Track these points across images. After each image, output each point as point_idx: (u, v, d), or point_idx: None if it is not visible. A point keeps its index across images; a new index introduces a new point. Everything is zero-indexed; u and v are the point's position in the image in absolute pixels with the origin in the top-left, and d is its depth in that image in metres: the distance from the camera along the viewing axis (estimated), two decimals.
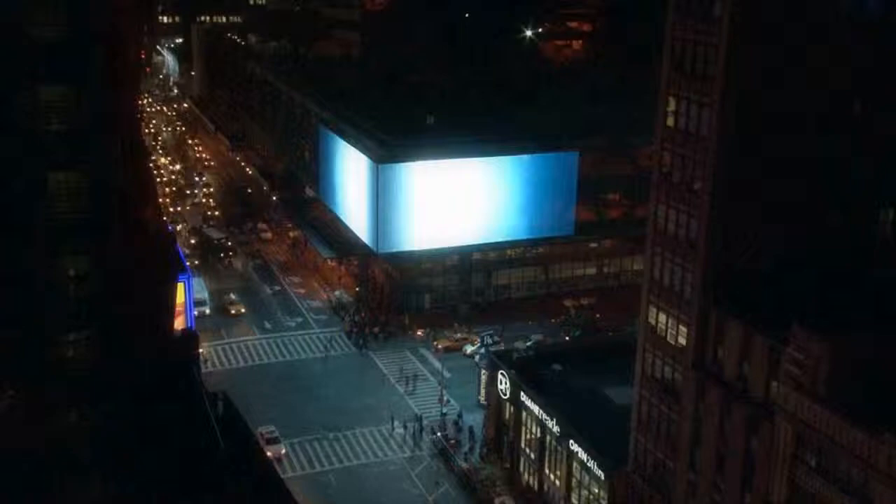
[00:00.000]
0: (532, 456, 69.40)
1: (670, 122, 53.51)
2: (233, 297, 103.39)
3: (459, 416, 78.42)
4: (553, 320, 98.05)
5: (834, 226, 51.42)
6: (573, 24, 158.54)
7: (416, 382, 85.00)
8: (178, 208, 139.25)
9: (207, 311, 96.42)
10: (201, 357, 76.41)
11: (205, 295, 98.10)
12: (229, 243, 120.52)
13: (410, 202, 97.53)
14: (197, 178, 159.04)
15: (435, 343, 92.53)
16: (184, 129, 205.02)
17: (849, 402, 41.30)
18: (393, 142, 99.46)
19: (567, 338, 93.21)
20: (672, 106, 53.30)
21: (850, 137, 50.92)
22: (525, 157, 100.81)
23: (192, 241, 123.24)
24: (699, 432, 52.05)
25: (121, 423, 40.78)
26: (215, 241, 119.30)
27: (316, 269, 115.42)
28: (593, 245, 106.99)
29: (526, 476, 70.76)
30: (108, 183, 39.49)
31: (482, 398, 78.50)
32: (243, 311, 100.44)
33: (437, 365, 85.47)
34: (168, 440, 42.39)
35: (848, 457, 40.76)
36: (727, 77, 48.66)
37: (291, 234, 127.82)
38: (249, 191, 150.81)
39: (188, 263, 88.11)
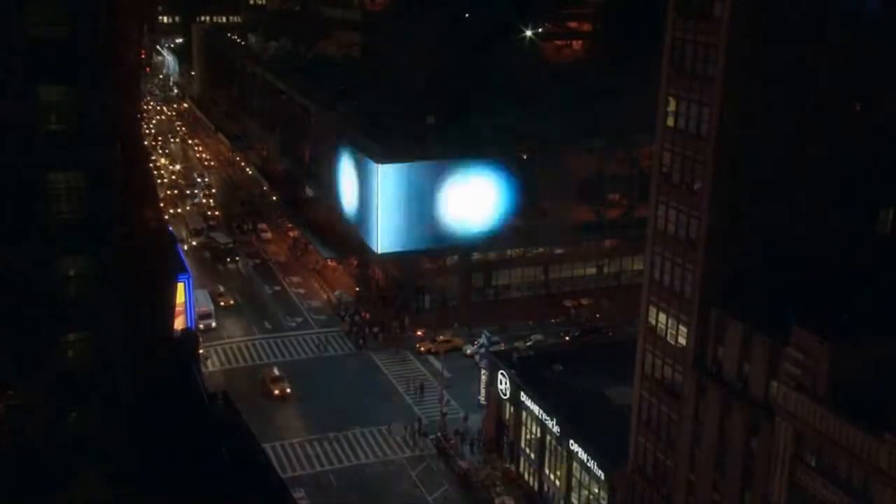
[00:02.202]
0: (532, 456, 69.39)
1: (670, 122, 53.52)
2: (276, 372, 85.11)
3: (465, 418, 78.37)
4: (553, 320, 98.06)
5: (834, 226, 51.42)
6: (573, 25, 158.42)
7: (418, 384, 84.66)
8: (178, 209, 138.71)
9: (213, 325, 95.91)
10: (201, 357, 76.53)
11: (210, 307, 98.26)
12: (233, 247, 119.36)
13: (410, 202, 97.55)
14: (199, 179, 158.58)
15: (418, 346, 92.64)
16: (184, 129, 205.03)
17: (849, 402, 41.31)
18: (393, 142, 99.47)
19: (567, 338, 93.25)
20: (672, 106, 53.32)
21: (850, 137, 50.92)
22: (525, 156, 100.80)
23: (194, 243, 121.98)
24: (699, 432, 52.06)
25: (121, 423, 40.76)
26: (221, 246, 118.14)
27: (316, 270, 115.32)
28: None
29: (526, 476, 70.76)
30: (108, 183, 39.46)
31: (482, 398, 78.50)
32: (289, 390, 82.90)
33: (438, 365, 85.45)
34: (168, 440, 42.40)
35: (848, 457, 40.75)
36: (727, 77, 48.66)
37: (291, 234, 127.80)
38: (251, 191, 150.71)
39: (190, 269, 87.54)
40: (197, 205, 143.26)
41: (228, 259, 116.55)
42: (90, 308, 39.86)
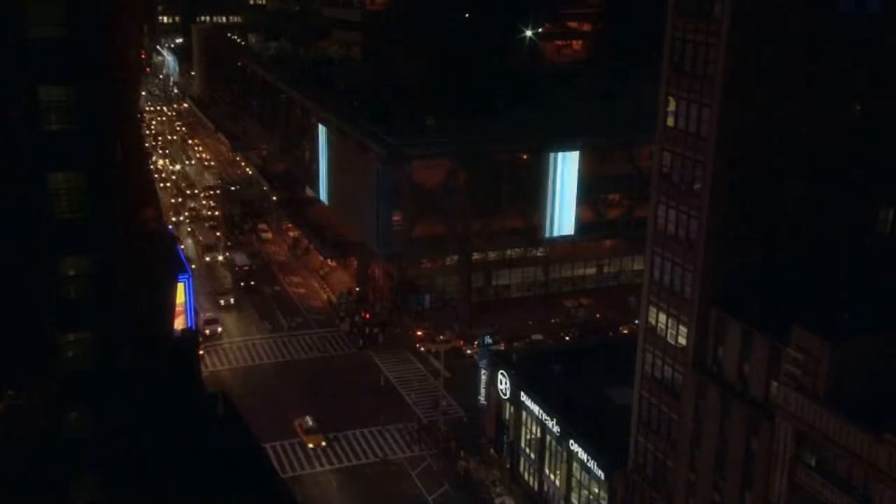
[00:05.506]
0: (532, 456, 69.39)
1: (670, 122, 53.48)
2: (310, 422, 76.78)
3: (465, 418, 78.22)
4: (553, 320, 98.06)
5: (834, 226, 51.43)
6: (573, 25, 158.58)
7: (416, 383, 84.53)
8: (181, 216, 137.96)
9: (220, 330, 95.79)
10: (201, 357, 76.57)
11: (216, 313, 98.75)
12: (251, 269, 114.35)
13: (411, 202, 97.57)
14: (228, 186, 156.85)
15: (418, 346, 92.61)
16: (184, 129, 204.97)
17: (849, 402, 41.32)
18: (393, 142, 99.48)
19: (567, 338, 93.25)
20: (672, 106, 53.28)
21: (849, 137, 50.94)
22: (525, 156, 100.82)
23: (208, 259, 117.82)
24: (699, 432, 52.06)
25: (121, 423, 40.77)
26: (237, 268, 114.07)
27: (321, 274, 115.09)
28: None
29: (526, 476, 70.76)
30: (108, 183, 39.48)
31: (482, 398, 78.45)
32: (324, 444, 75.21)
33: (438, 365, 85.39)
34: (168, 440, 42.40)
35: (848, 457, 40.77)
36: (727, 77, 48.66)
37: (291, 234, 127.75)
38: (250, 191, 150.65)
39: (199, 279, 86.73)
40: (194, 206, 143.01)
41: (242, 283, 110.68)
42: (90, 308, 39.88)
